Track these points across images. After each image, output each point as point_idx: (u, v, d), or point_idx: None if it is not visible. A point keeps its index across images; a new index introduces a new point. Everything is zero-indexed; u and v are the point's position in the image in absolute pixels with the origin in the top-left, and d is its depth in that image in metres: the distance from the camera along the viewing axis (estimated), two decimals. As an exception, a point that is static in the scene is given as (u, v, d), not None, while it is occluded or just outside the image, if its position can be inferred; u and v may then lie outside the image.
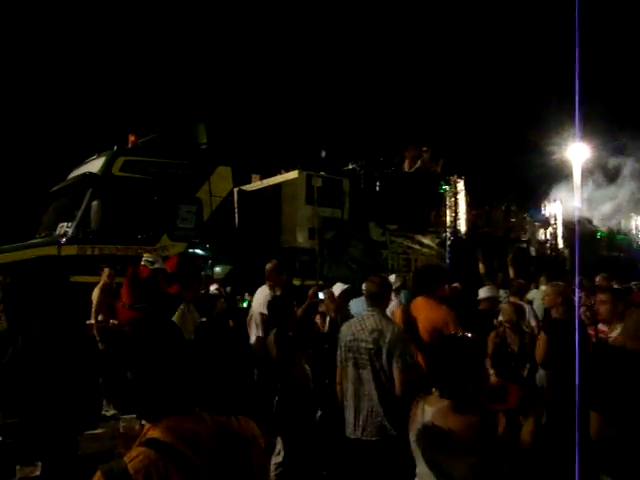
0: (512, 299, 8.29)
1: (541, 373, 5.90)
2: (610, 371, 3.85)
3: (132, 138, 10.98)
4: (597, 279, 10.32)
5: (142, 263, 6.79)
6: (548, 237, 17.13)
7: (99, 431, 6.05)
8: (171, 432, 1.92)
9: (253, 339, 6.87)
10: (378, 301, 4.93)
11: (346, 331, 4.96)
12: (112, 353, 7.45)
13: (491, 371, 5.91)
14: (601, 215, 18.87)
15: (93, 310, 8.25)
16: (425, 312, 5.30)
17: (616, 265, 16.56)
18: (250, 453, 2.04)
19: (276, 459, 5.43)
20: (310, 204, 12.06)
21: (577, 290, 7.37)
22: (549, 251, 16.91)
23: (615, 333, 5.26)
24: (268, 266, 7.27)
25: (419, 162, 14.60)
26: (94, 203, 9.77)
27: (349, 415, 4.75)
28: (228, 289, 10.24)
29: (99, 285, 8.42)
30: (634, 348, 4.03)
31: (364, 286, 5.19)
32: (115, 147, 10.77)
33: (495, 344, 6.30)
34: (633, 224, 20.64)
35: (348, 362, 4.81)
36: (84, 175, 10.54)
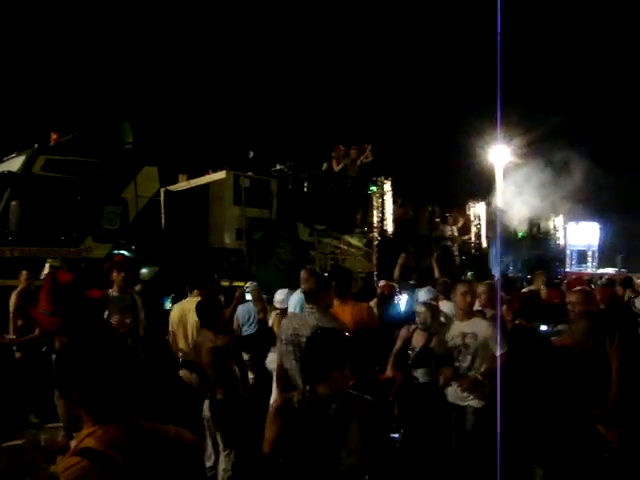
0: (440, 298, 8.48)
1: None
2: (557, 369, 4.05)
3: (54, 136, 10.65)
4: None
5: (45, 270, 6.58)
6: (472, 237, 17.57)
7: (18, 442, 5.85)
8: (106, 441, 1.89)
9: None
10: (316, 298, 5.01)
11: (287, 325, 5.09)
12: (31, 362, 7.25)
13: (389, 366, 6.51)
14: (522, 215, 19.50)
15: (11, 316, 7.98)
16: (345, 313, 5.44)
17: (537, 264, 17.12)
18: (187, 461, 2.03)
19: (207, 463, 5.44)
20: (238, 205, 12.04)
21: (498, 288, 7.65)
22: (473, 250, 17.35)
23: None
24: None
25: (347, 159, 14.73)
26: (13, 203, 9.48)
27: None
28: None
29: (17, 290, 8.16)
30: (580, 353, 4.28)
31: (302, 284, 5.31)
32: (36, 145, 10.45)
33: (403, 342, 6.61)
34: (552, 224, 21.40)
35: (289, 355, 4.92)
36: (2, 174, 10.17)
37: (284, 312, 7.09)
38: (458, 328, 5.68)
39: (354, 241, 13.84)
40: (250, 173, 12.56)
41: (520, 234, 19.23)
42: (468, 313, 5.78)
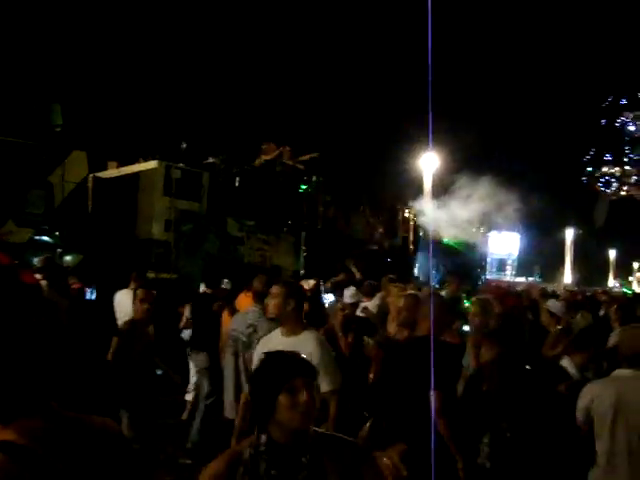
0: (365, 300, 8.64)
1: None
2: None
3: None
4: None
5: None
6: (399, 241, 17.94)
7: None
8: (25, 433, 1.79)
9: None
10: (261, 298, 5.11)
11: (232, 321, 5.41)
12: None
13: None
14: (448, 223, 19.99)
15: None
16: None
17: (460, 270, 17.62)
18: (112, 451, 1.99)
19: None
20: (168, 196, 11.91)
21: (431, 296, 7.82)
22: (399, 254, 17.71)
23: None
24: None
25: (275, 155, 14.75)
26: None
27: (228, 396, 5.07)
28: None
29: None
30: (422, 333, 4.44)
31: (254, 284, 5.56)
32: (-45, 125, 10.07)
33: None
34: (475, 233, 22.05)
35: (228, 349, 5.17)
36: None
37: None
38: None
39: (283, 238, 13.90)
40: (182, 164, 12.45)
41: (445, 241, 19.72)
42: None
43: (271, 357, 2.35)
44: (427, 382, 4.22)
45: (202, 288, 8.98)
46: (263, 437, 2.21)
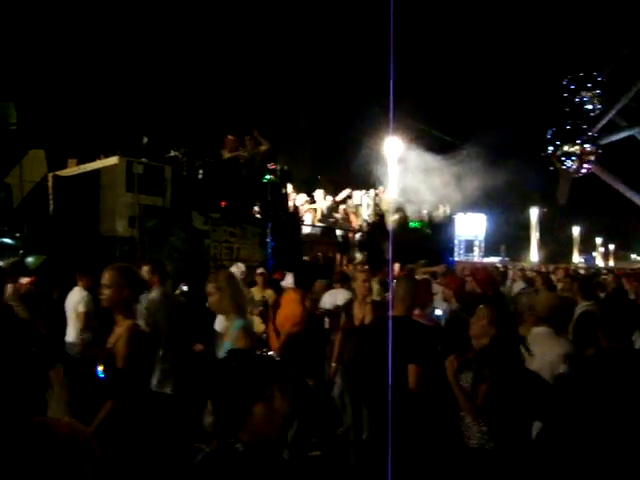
0: (336, 286, 8.70)
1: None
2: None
3: None
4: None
5: None
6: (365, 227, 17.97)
7: None
8: None
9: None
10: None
11: None
12: None
13: None
14: (413, 205, 20.13)
15: None
16: None
17: (427, 253, 17.72)
18: (81, 454, 1.98)
19: None
20: (131, 191, 11.77)
21: (390, 278, 7.89)
22: (365, 239, 17.75)
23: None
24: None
25: (240, 149, 14.65)
26: None
27: None
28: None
29: None
30: (397, 314, 4.52)
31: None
32: None
33: None
34: (441, 215, 22.21)
35: None
36: None
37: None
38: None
39: (249, 230, 13.83)
40: (144, 159, 12.29)
41: (412, 224, 19.81)
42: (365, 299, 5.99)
43: (242, 360, 2.13)
44: (405, 358, 4.29)
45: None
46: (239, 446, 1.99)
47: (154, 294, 6.09)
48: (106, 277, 3.92)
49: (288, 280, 9.10)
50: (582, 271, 25.14)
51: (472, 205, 36.92)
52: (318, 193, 16.89)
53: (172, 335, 5.84)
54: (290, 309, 5.89)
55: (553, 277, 12.25)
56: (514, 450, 3.71)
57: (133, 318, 3.91)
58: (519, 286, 10.74)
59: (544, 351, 4.30)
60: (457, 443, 4.00)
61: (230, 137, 14.86)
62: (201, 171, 13.51)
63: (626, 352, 3.69)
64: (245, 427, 2.02)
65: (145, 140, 13.05)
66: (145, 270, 6.29)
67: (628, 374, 3.57)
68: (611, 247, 77.53)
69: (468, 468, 3.86)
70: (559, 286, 11.22)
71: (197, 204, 12.92)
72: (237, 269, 8.75)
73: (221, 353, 4.30)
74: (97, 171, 12.31)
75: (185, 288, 8.78)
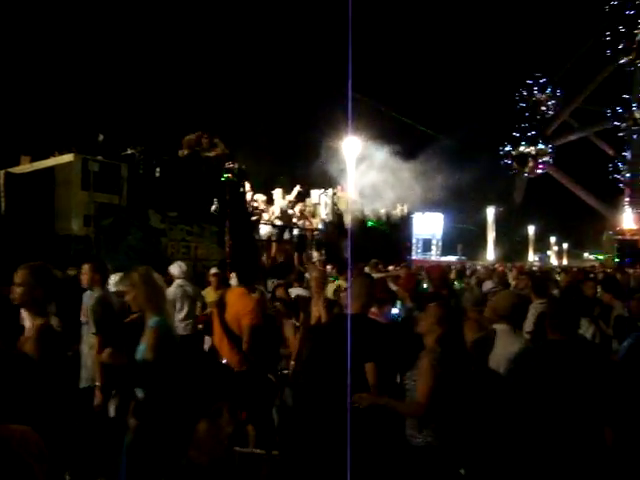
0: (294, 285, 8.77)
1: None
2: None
3: None
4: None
5: None
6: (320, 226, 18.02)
7: None
8: None
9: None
10: None
11: None
12: None
13: None
14: (372, 205, 20.30)
15: None
16: None
17: (385, 251, 17.88)
18: (32, 460, 1.97)
19: None
20: (86, 190, 11.63)
21: (349, 278, 7.95)
22: (322, 239, 17.82)
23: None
24: None
25: (196, 147, 14.54)
26: None
27: None
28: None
29: None
30: (354, 312, 4.61)
31: None
32: None
33: None
34: (399, 214, 22.43)
35: None
36: None
37: None
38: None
39: (207, 228, 13.77)
40: (99, 157, 12.14)
41: (370, 223, 19.96)
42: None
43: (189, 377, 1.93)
44: (360, 356, 4.33)
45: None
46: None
47: (95, 293, 6.07)
48: (18, 276, 3.89)
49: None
50: (536, 269, 25.60)
51: (430, 204, 37.37)
52: (277, 192, 16.89)
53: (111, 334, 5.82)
54: (241, 304, 5.83)
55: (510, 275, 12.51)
56: (459, 448, 3.79)
57: (45, 317, 3.87)
58: (488, 285, 10.88)
59: (504, 347, 4.45)
60: (403, 441, 4.07)
61: (188, 136, 14.76)
62: (158, 169, 13.38)
63: (570, 344, 3.85)
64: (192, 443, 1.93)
65: (101, 137, 12.89)
66: (85, 269, 6.26)
67: (570, 365, 3.72)
68: (565, 246, 79.23)
69: (413, 466, 3.94)
70: (513, 284, 11.44)
71: (154, 203, 12.80)
72: (178, 268, 8.70)
73: (138, 355, 4.28)
74: (51, 168, 12.11)
75: None
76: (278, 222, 16.36)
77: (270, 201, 16.72)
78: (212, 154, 14.58)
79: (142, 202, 12.60)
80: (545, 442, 3.69)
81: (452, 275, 12.64)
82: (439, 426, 3.86)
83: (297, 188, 17.70)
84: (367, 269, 11.84)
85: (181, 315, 8.23)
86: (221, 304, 5.83)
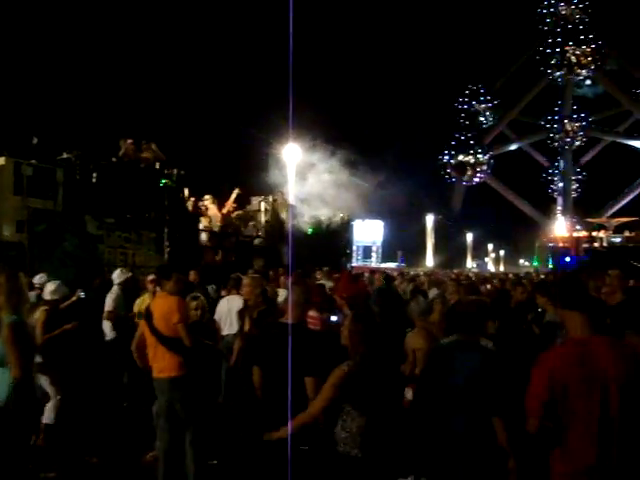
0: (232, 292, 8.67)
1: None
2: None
3: None
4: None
5: None
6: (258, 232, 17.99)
7: None
8: None
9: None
10: None
11: None
12: None
13: None
14: (312, 212, 20.37)
15: None
16: None
17: (325, 258, 17.95)
18: None
19: None
20: (19, 194, 11.37)
21: (289, 282, 7.96)
22: (261, 245, 17.79)
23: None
24: None
25: (124, 152, 14.25)
26: None
27: None
28: None
29: None
30: (292, 321, 4.70)
31: None
32: None
33: None
34: (339, 221, 22.56)
35: None
36: None
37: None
38: None
39: (145, 235, 13.58)
40: (33, 161, 11.88)
41: (310, 230, 20.01)
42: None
43: None
44: (298, 368, 4.34)
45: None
46: None
47: None
48: None
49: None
50: (472, 276, 26.10)
51: (370, 212, 37.71)
52: (207, 198, 16.67)
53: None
54: (166, 305, 5.68)
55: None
56: (380, 456, 3.83)
57: None
58: (433, 293, 11.02)
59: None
60: (330, 449, 4.09)
61: (126, 140, 14.50)
62: (95, 174, 13.13)
63: (469, 342, 4.19)
64: None
65: (35, 141, 12.58)
66: None
67: (463, 362, 4.05)
68: (502, 253, 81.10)
69: (336, 474, 3.97)
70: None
71: (91, 208, 12.56)
72: (117, 275, 8.62)
73: None
74: (-18, 173, 11.78)
75: (82, 294, 8.55)
76: (216, 229, 16.26)
77: (207, 208, 16.58)
78: (147, 155, 14.30)
79: (78, 208, 12.35)
80: (444, 433, 3.98)
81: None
82: (365, 438, 3.88)
83: (236, 191, 17.62)
84: (319, 276, 11.91)
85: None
86: (147, 313, 5.71)
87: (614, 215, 60.19)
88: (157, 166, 14.42)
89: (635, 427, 3.16)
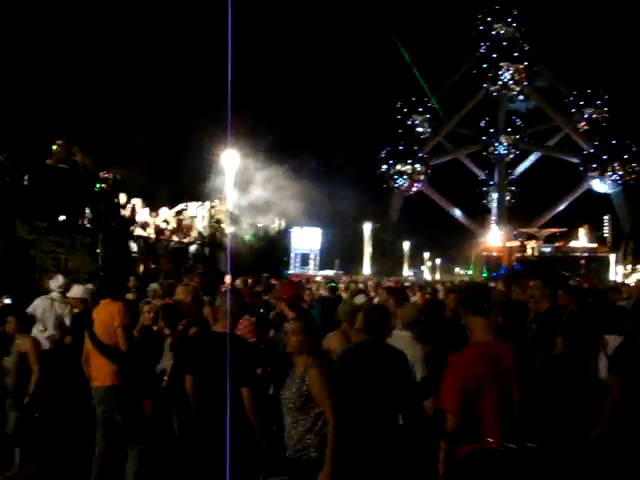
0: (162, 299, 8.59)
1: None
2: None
3: None
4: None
5: None
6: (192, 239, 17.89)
7: None
8: None
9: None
10: None
11: None
12: None
13: None
14: (249, 218, 20.37)
15: None
16: None
17: (262, 265, 17.94)
18: None
19: None
20: (-57, 197, 10.98)
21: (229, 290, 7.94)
22: (197, 252, 17.69)
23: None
24: None
25: (54, 157, 13.89)
26: None
27: None
28: None
29: None
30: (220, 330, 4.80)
31: None
32: None
33: None
34: (277, 228, 22.65)
35: None
36: None
37: None
38: None
39: (79, 240, 13.29)
40: (-41, 162, 11.50)
41: (247, 237, 20.00)
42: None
43: None
44: (232, 378, 4.36)
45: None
46: None
47: None
48: None
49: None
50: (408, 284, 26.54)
51: (308, 219, 37.84)
52: (136, 200, 16.44)
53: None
54: (107, 311, 5.63)
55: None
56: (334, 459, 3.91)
57: None
58: (361, 299, 11.16)
59: (405, 351, 4.87)
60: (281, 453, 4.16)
61: (60, 142, 14.14)
62: (27, 177, 12.77)
63: (377, 343, 4.59)
64: None
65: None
66: None
67: (371, 361, 4.45)
68: (437, 261, 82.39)
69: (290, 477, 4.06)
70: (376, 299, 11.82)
71: (22, 212, 12.20)
72: (54, 282, 8.37)
73: None
74: None
75: (7, 301, 8.33)
76: (154, 234, 16.07)
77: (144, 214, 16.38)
78: (77, 158, 13.96)
79: (9, 211, 11.98)
80: (354, 429, 4.14)
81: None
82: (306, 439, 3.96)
83: (181, 206, 17.62)
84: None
85: (40, 327, 7.84)
86: (89, 321, 5.66)
87: (545, 226, 62.23)
88: (90, 170, 14.14)
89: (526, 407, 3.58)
